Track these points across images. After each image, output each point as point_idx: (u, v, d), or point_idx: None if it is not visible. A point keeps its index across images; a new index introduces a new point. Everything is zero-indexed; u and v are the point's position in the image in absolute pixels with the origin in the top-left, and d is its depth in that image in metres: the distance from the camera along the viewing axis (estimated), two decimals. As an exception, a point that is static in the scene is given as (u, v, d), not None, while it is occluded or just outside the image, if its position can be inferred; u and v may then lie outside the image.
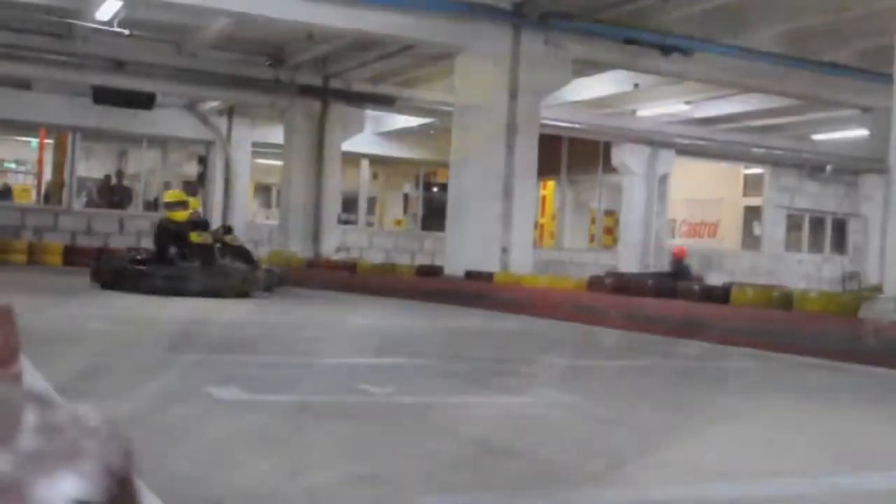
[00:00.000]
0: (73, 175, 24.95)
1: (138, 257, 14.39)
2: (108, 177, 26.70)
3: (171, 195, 15.49)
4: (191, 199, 15.76)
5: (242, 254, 15.54)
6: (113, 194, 26.20)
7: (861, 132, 23.28)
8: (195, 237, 14.02)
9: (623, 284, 12.06)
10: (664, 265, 25.60)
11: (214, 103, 24.50)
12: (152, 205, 26.57)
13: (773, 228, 28.72)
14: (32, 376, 4.56)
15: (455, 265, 14.90)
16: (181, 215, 14.28)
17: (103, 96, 20.95)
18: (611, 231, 28.19)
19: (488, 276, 14.03)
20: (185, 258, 13.72)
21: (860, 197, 29.23)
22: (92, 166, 27.65)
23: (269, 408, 4.55)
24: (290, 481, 3.12)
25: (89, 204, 25.81)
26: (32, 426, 0.66)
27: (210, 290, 13.07)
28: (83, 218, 24.70)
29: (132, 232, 25.18)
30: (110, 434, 0.69)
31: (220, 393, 4.78)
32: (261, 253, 24.63)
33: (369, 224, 29.70)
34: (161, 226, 14.34)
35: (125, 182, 27.19)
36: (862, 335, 8.10)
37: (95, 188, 26.60)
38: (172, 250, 13.75)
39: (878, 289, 11.30)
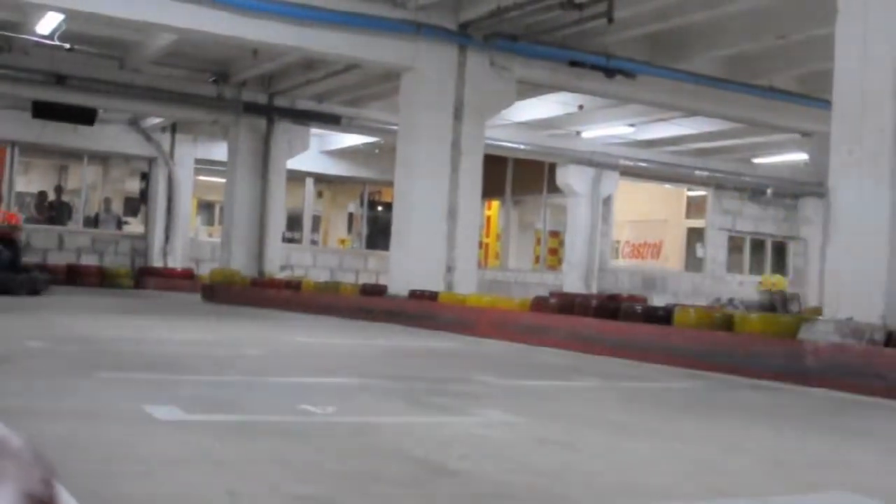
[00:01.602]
0: (11, 190, 24.57)
1: None
2: (43, 193, 26.32)
3: None
4: None
5: None
6: (51, 209, 25.83)
7: (801, 156, 23.68)
8: None
9: (567, 304, 12.10)
10: (607, 286, 25.80)
11: (157, 119, 24.31)
12: (92, 221, 26.25)
13: (715, 250, 29.08)
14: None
15: (399, 284, 14.88)
16: None
17: (43, 111, 20.70)
18: (555, 252, 28.36)
19: (432, 296, 14.02)
20: None
21: (800, 220, 29.72)
22: (31, 181, 27.27)
23: (208, 428, 4.48)
24: (228, 503, 3.06)
25: (28, 219, 25.43)
26: (-51, 449, 0.62)
27: None
28: (21, 233, 24.32)
29: (72, 248, 24.85)
30: (33, 458, 0.66)
31: (159, 412, 4.70)
32: (203, 271, 24.44)
33: (314, 242, 29.61)
34: None
35: (65, 198, 26.82)
36: (801, 356, 8.20)
37: (33, 203, 26.25)
38: None
39: (817, 311, 11.45)
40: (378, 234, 28.02)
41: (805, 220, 29.37)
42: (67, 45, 17.98)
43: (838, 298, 8.61)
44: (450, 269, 15.05)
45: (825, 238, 9.50)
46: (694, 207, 29.87)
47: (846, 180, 8.73)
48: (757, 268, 30.25)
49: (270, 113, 21.44)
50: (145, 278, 24.37)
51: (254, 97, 21.25)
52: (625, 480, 3.83)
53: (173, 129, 25.37)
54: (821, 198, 23.39)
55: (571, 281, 25.54)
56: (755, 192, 28.80)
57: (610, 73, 15.58)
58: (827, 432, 5.84)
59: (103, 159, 26.98)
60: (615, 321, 10.74)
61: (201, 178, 27.37)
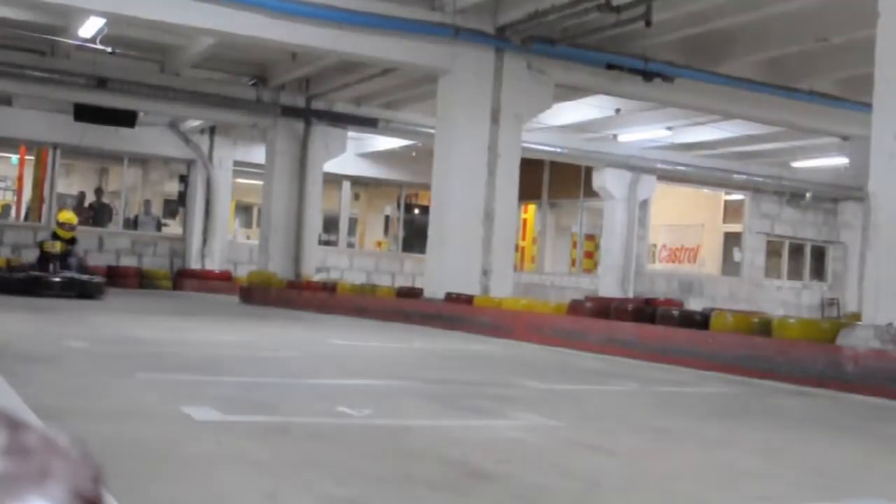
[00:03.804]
0: (52, 192, 24.85)
1: None
2: (82, 194, 26.58)
3: None
4: None
5: None
6: (91, 211, 26.08)
7: (840, 160, 23.47)
8: None
9: (604, 308, 12.06)
10: (644, 290, 25.68)
11: (196, 122, 24.48)
12: (132, 223, 26.50)
13: (752, 255, 28.87)
14: (7, 395, 4.52)
15: (435, 287, 14.89)
16: None
17: (84, 113, 20.91)
18: (591, 255, 28.27)
19: (468, 299, 14.02)
20: None
21: (839, 224, 29.44)
22: (72, 183, 27.58)
23: (246, 429, 4.52)
24: (266, 504, 3.09)
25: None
26: (0, 448, 0.64)
27: None
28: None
29: (111, 250, 25.09)
30: (81, 456, 0.67)
31: (196, 413, 4.74)
32: (240, 273, 24.58)
33: (350, 245, 29.70)
34: None
35: (105, 199, 27.08)
36: (841, 362, 8.12)
37: (72, 206, 26.54)
38: None
39: (856, 316, 11.34)
40: (414, 236, 28.07)
41: (845, 225, 29.09)
42: (109, 49, 18.18)
43: (877, 304, 8.52)
44: (486, 273, 15.05)
45: (865, 242, 9.41)
46: (731, 211, 29.68)
47: (887, 184, 8.64)
48: (795, 273, 30.00)
49: (308, 116, 21.54)
50: (183, 280, 24.55)
51: (292, 100, 21.36)
52: (661, 487, 3.82)
53: (212, 131, 25.56)
54: (861, 202, 23.17)
55: (607, 285, 25.45)
56: (794, 196, 28.58)
57: (648, 76, 15.52)
58: (866, 439, 5.79)
59: (143, 162, 27.23)
60: (652, 325, 10.70)
61: (240, 180, 27.55)
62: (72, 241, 18.04)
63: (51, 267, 17.28)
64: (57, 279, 17.05)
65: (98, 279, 17.84)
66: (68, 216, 18.80)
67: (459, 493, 3.44)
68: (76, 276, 17.37)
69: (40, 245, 18.10)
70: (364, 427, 4.83)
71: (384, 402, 5.89)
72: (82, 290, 17.03)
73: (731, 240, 29.54)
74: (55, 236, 18.07)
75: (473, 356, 10.24)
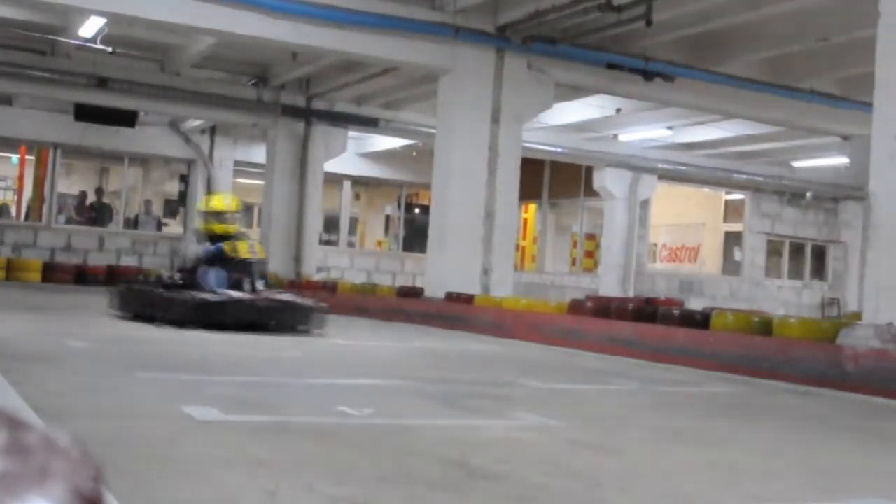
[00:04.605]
0: (53, 191, 24.83)
1: None
2: (83, 193, 26.57)
3: None
4: None
5: None
6: (91, 211, 26.06)
7: (841, 159, 23.47)
8: None
9: (604, 308, 12.06)
10: (644, 290, 25.68)
11: (197, 122, 24.47)
12: (132, 222, 26.49)
13: (753, 254, 28.84)
14: (7, 394, 4.52)
15: (436, 287, 14.89)
16: None
17: (85, 113, 20.90)
18: (592, 255, 28.24)
19: (469, 299, 14.02)
20: None
21: (840, 224, 29.40)
22: (73, 182, 27.57)
23: (245, 428, 4.52)
24: (267, 503, 3.09)
25: (69, 221, 25.68)
26: (0, 447, 0.64)
27: None
28: (63, 234, 24.58)
29: (112, 250, 25.07)
30: (81, 455, 0.67)
31: (197, 413, 4.74)
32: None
33: (351, 245, 29.67)
34: None
35: (105, 199, 27.07)
36: (841, 361, 8.12)
37: (73, 205, 26.51)
38: None
39: (857, 316, 11.33)
40: (415, 236, 28.05)
41: (845, 224, 29.07)
42: (109, 49, 18.18)
43: (878, 303, 8.52)
44: (486, 272, 15.05)
45: (865, 242, 9.41)
46: (732, 211, 29.65)
47: (887, 183, 8.64)
48: (796, 272, 29.98)
49: (308, 115, 21.54)
50: (184, 279, 24.50)
51: (292, 100, 21.36)
52: (661, 486, 3.82)
53: (213, 131, 25.55)
54: (861, 201, 23.16)
55: (608, 284, 25.44)
56: (794, 196, 28.56)
57: (648, 75, 15.51)
58: (866, 439, 5.78)
59: (143, 161, 27.21)
60: (652, 325, 10.70)
61: (240, 180, 27.53)
62: (229, 237, 11.69)
63: (212, 280, 11.26)
64: (257, 303, 11.10)
65: (310, 301, 11.90)
66: (228, 202, 12.21)
67: (459, 493, 3.44)
68: (287, 297, 11.83)
69: (216, 251, 11.50)
70: (364, 426, 4.83)
71: (384, 401, 5.89)
72: (293, 319, 11.30)
73: (732, 239, 29.51)
74: (208, 236, 11.78)
75: (474, 356, 10.23)
